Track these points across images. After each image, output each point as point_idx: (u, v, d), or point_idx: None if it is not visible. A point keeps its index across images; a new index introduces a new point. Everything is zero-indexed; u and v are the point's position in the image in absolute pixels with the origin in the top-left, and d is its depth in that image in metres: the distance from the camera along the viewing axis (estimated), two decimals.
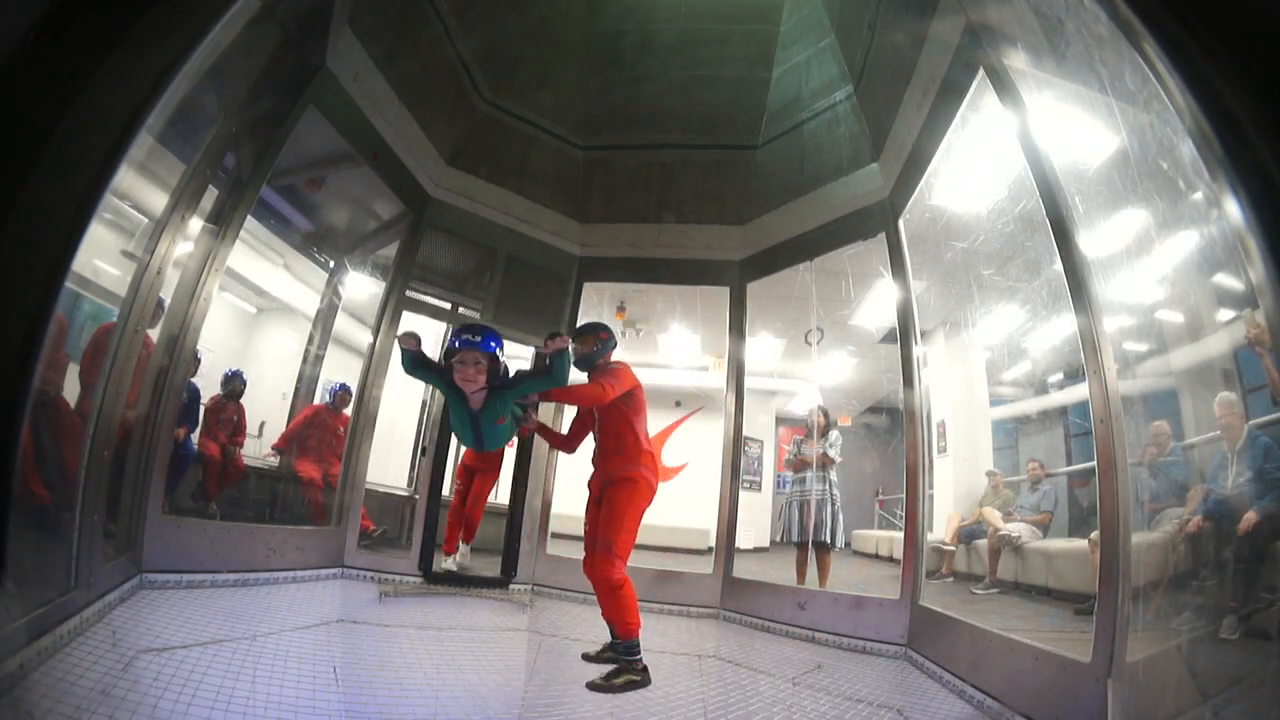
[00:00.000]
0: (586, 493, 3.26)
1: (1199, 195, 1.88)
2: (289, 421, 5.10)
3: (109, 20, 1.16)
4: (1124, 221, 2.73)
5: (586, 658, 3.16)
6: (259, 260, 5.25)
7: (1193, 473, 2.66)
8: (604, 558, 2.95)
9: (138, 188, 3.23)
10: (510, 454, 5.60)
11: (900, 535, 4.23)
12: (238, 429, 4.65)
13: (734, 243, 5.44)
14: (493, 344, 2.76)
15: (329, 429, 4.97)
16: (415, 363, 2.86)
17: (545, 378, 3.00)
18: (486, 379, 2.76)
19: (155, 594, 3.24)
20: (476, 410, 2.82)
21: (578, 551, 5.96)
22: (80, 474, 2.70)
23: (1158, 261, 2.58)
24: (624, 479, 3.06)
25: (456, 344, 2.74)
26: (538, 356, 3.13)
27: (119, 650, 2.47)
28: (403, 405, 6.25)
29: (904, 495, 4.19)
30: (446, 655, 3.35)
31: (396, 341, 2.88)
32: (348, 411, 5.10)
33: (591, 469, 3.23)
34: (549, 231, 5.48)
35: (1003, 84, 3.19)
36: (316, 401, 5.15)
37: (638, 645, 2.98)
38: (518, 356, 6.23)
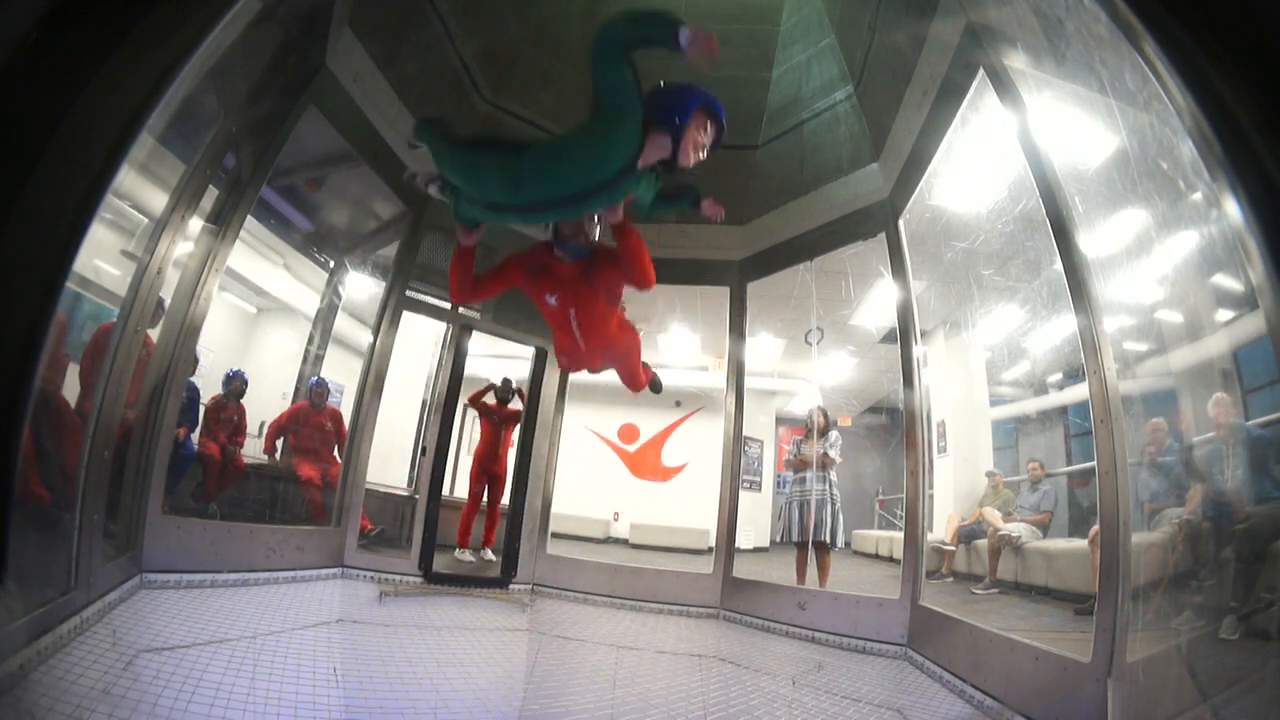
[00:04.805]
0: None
1: (1199, 195, 1.88)
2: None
3: (110, 20, 1.16)
4: (1124, 221, 2.73)
5: None
6: (259, 260, 5.25)
7: (1192, 473, 2.66)
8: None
9: (138, 188, 3.23)
10: (508, 454, 5.64)
11: (900, 535, 4.24)
12: (238, 429, 4.65)
13: (734, 243, 5.44)
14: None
15: (313, 424, 4.98)
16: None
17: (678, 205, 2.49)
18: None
19: (155, 594, 3.24)
20: (638, 168, 2.03)
21: (578, 551, 6.01)
22: (80, 474, 2.70)
23: (1158, 261, 2.58)
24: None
25: (697, 103, 2.04)
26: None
27: (119, 650, 2.47)
28: (403, 405, 6.26)
29: (904, 495, 4.19)
30: (447, 655, 3.34)
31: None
32: (332, 404, 5.13)
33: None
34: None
35: (1003, 84, 3.19)
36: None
37: None
38: (517, 356, 6.27)
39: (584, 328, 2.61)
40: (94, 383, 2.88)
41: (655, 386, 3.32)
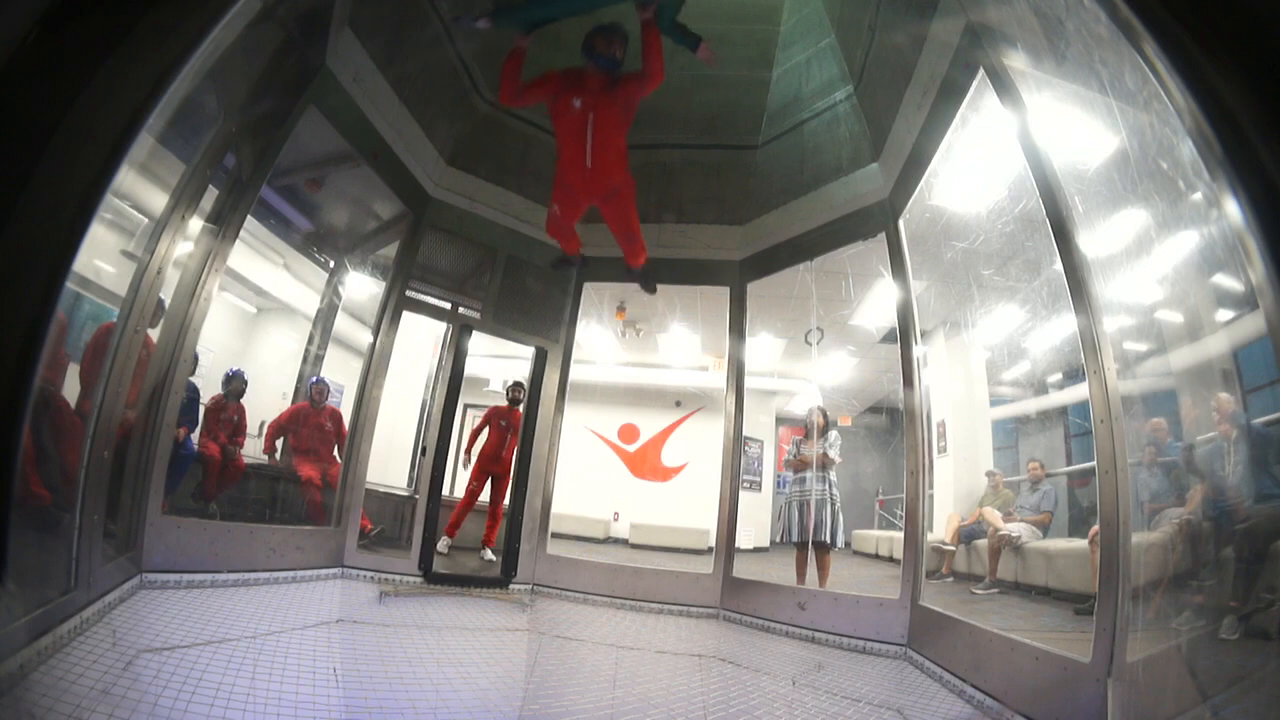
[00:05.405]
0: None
1: (1199, 195, 1.88)
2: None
3: (109, 20, 1.16)
4: (1124, 221, 2.73)
5: None
6: (259, 260, 5.25)
7: (1193, 472, 2.66)
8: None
9: (138, 188, 3.23)
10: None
11: (900, 535, 4.23)
12: (238, 429, 4.65)
13: (734, 243, 5.44)
14: None
15: (313, 424, 4.98)
16: None
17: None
18: None
19: (155, 594, 3.24)
20: None
21: (578, 551, 6.01)
22: (80, 474, 2.70)
23: (1158, 261, 2.58)
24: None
25: None
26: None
27: (119, 650, 2.47)
28: (403, 405, 6.27)
29: (904, 495, 4.19)
30: (447, 655, 3.34)
31: None
32: (332, 404, 5.13)
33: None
34: None
35: (1003, 84, 3.19)
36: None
37: None
38: (517, 356, 6.27)
39: (597, 135, 3.22)
40: (94, 383, 2.88)
41: (649, 282, 3.73)
